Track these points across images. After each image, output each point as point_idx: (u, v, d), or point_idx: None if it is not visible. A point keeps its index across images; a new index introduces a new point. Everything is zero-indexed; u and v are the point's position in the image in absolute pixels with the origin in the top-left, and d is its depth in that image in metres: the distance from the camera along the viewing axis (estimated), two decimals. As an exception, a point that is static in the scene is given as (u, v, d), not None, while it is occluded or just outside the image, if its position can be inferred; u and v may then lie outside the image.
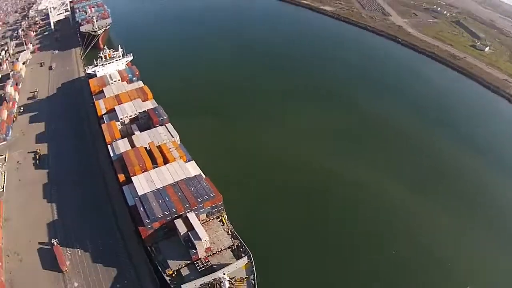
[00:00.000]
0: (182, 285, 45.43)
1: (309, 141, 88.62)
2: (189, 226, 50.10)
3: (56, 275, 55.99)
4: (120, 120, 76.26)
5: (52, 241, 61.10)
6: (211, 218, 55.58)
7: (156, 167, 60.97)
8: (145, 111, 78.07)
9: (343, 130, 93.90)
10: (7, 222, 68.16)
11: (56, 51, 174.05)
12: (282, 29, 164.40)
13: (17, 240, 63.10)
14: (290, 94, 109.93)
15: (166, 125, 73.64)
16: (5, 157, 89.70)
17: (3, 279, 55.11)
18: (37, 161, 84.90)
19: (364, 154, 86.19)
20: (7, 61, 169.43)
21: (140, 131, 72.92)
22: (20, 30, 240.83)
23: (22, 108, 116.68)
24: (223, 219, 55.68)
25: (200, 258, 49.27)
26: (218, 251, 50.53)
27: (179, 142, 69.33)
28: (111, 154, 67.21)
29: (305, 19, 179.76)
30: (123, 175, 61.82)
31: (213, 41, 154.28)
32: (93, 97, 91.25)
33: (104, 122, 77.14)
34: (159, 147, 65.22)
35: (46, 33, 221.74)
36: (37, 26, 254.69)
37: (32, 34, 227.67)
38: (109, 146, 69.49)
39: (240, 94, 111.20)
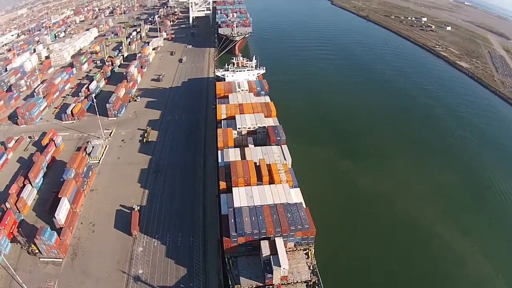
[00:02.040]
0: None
1: (423, 197, 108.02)
2: (273, 250, 65.70)
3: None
4: (238, 129, 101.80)
5: (133, 206, 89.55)
6: (297, 248, 70.47)
7: (260, 185, 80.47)
8: (265, 127, 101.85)
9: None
10: (93, 192, 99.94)
11: (190, 46, 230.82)
12: (415, 78, 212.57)
13: (96, 211, 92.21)
14: (414, 145, 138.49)
15: (282, 146, 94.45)
16: (111, 132, 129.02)
17: (68, 242, 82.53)
18: (144, 140, 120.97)
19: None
20: (136, 42, 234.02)
21: (255, 145, 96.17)
22: (156, 16, 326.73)
23: (142, 91, 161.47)
24: (309, 252, 69.97)
25: (274, 284, 64.06)
26: (294, 283, 64.67)
27: (289, 166, 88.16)
28: (219, 160, 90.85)
29: (440, 72, 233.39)
30: (225, 183, 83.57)
31: (349, 72, 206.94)
32: (217, 100, 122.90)
33: (221, 127, 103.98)
34: (268, 165, 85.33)
35: (183, 26, 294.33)
36: (175, 17, 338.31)
37: (169, 23, 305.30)
38: (219, 151, 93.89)
39: (367, 131, 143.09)
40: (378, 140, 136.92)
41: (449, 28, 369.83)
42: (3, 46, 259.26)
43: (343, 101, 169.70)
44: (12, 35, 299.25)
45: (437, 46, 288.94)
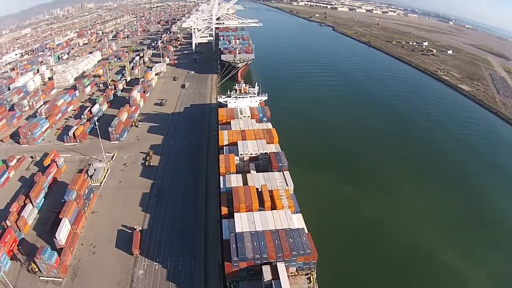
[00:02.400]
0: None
1: (425, 220, 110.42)
2: (275, 275, 67.02)
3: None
4: (240, 156, 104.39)
5: (134, 226, 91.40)
6: (299, 273, 71.73)
7: (262, 211, 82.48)
8: (267, 153, 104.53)
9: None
10: (94, 214, 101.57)
11: (193, 72, 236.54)
12: (416, 103, 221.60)
13: (97, 233, 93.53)
14: (416, 168, 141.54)
15: (284, 172, 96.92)
16: (113, 156, 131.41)
17: (68, 263, 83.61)
18: (146, 164, 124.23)
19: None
20: (139, 67, 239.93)
21: (257, 171, 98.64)
22: (159, 42, 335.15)
23: (144, 116, 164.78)
24: (311, 277, 71.32)
25: (276, 309, 65.39)
26: (296, 307, 65.83)
27: (292, 192, 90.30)
28: (221, 186, 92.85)
29: (442, 95, 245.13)
30: (227, 208, 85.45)
31: (351, 98, 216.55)
32: (219, 126, 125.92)
33: (223, 153, 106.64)
34: (270, 191, 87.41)
35: (186, 52, 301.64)
36: (178, 42, 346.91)
37: (171, 49, 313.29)
38: (221, 177, 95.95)
39: (368, 156, 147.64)
40: (379, 165, 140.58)
41: (450, 51, 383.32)
42: (6, 65, 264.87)
43: (345, 127, 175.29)
44: (16, 54, 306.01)
45: (438, 70, 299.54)
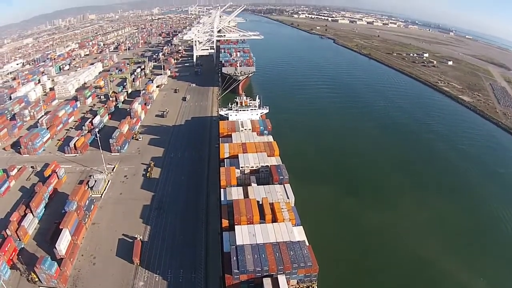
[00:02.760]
0: None
1: (427, 231, 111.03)
2: (276, 288, 68.82)
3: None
4: (240, 168, 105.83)
5: (136, 235, 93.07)
6: (300, 286, 72.48)
7: (263, 223, 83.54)
8: (268, 166, 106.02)
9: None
10: (94, 225, 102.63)
11: (194, 85, 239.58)
12: (417, 114, 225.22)
13: (97, 244, 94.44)
14: (417, 179, 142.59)
15: (285, 184, 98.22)
16: (114, 168, 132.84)
17: (68, 273, 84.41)
18: (147, 175, 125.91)
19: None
20: (140, 79, 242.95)
21: (258, 184, 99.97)
22: (160, 54, 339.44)
23: (145, 128, 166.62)
24: None
25: (276, 322, 66.27)
26: (297, 320, 66.58)
27: (292, 205, 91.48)
28: (222, 198, 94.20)
29: (442, 107, 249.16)
30: (227, 221, 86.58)
31: (352, 110, 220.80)
32: (220, 139, 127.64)
33: (224, 166, 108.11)
34: (271, 204, 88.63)
35: (187, 64, 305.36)
36: (179, 55, 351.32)
37: (173, 61, 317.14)
38: (222, 190, 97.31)
39: (369, 168, 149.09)
40: (380, 176, 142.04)
41: (450, 62, 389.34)
42: (8, 74, 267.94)
43: (346, 139, 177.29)
44: (17, 64, 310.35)
45: (439, 82, 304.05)
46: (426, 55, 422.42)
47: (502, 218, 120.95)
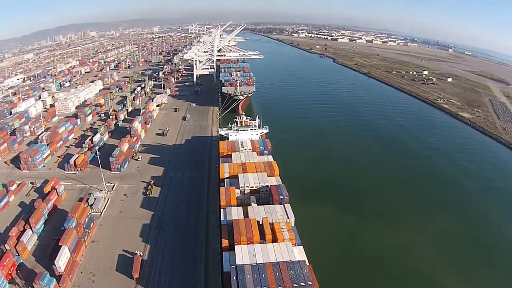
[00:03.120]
0: None
1: (428, 250, 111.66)
2: (277, 308, 69.76)
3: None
4: (240, 188, 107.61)
5: (136, 251, 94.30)
6: None
7: (263, 243, 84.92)
8: (268, 186, 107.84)
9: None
10: (94, 243, 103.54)
11: (194, 104, 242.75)
12: (417, 132, 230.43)
13: (97, 262, 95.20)
14: (417, 197, 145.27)
15: (285, 204, 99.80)
16: (114, 186, 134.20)
17: None
18: (147, 193, 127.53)
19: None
20: (141, 97, 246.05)
21: (258, 204, 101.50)
22: (161, 73, 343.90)
23: (145, 147, 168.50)
24: None
25: None
26: None
27: (293, 224, 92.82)
28: (222, 218, 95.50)
29: (442, 124, 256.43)
30: (227, 241, 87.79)
31: (351, 129, 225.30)
32: (220, 158, 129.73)
33: (224, 186, 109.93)
34: (271, 224, 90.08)
35: (187, 83, 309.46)
36: (179, 74, 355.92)
37: (173, 80, 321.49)
38: (222, 209, 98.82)
39: (369, 187, 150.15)
40: (380, 195, 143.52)
41: (450, 79, 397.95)
42: (8, 89, 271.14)
43: (345, 158, 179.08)
44: (18, 79, 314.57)
45: (438, 99, 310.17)
46: (425, 72, 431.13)
47: (504, 233, 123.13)
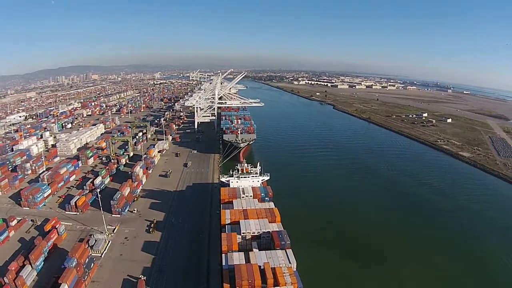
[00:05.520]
0: None
1: None
2: None
3: None
4: (242, 234, 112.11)
5: (140, 276, 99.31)
6: None
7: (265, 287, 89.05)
8: (269, 232, 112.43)
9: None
10: (94, 283, 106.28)
11: (195, 151, 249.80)
12: (418, 175, 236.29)
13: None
14: (420, 240, 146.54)
15: (287, 250, 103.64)
16: (114, 229, 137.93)
17: None
18: (150, 231, 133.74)
19: None
20: (142, 143, 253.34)
21: (259, 250, 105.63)
22: (162, 119, 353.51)
23: (146, 192, 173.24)
24: None
25: None
26: None
27: (294, 269, 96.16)
28: (223, 263, 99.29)
29: (443, 164, 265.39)
30: (229, 285, 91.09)
31: (352, 176, 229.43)
32: (221, 205, 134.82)
33: (225, 232, 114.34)
34: (273, 269, 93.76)
35: (188, 130, 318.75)
36: (181, 121, 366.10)
37: (174, 127, 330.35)
38: (223, 255, 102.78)
39: (371, 232, 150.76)
40: (383, 239, 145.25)
41: (449, 120, 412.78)
42: (10, 125, 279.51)
43: (346, 203, 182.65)
44: (20, 117, 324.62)
45: (438, 140, 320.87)
46: (425, 114, 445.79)
47: (509, 270, 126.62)
